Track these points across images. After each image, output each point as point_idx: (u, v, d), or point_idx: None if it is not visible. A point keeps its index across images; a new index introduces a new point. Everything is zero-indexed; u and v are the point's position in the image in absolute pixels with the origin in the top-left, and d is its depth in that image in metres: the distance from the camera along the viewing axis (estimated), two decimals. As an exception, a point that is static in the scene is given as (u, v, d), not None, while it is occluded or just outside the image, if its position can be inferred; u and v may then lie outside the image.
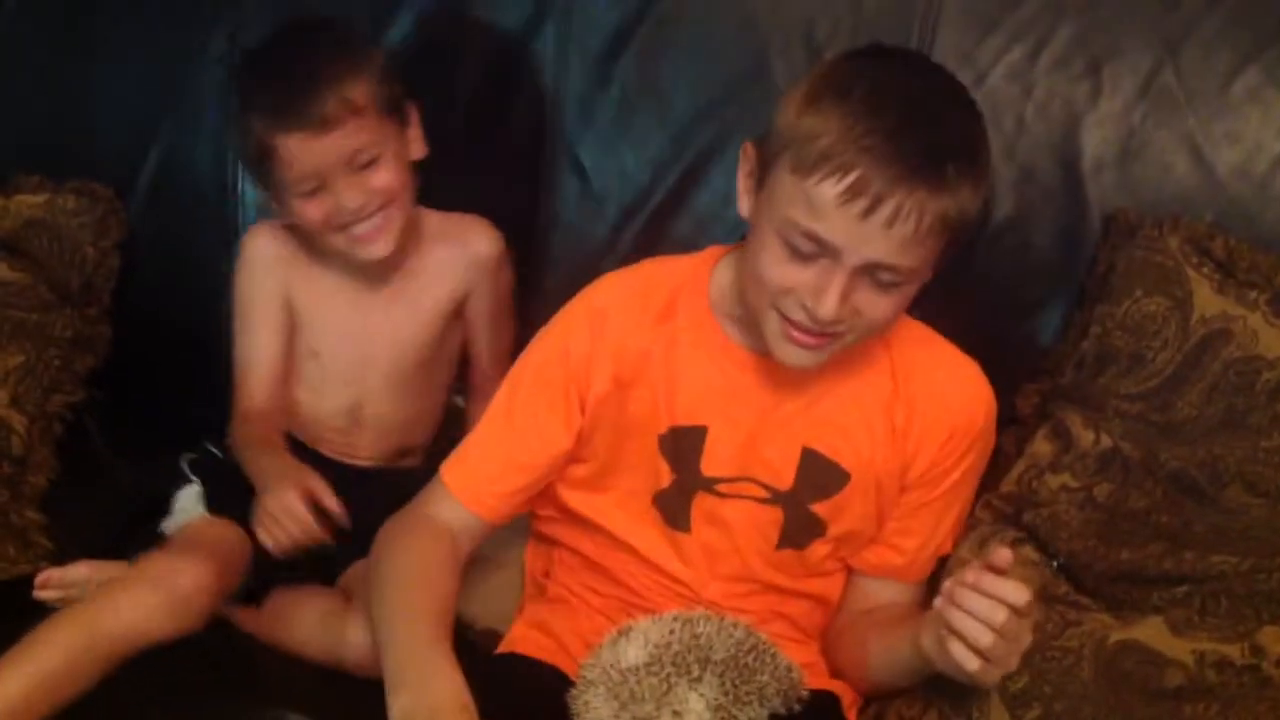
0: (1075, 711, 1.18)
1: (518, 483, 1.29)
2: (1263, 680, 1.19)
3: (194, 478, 1.49)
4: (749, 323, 1.22)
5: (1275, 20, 1.37)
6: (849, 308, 1.14)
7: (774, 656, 1.20)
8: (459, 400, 1.63)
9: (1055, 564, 1.29)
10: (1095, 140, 1.41)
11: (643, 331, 1.27)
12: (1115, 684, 1.20)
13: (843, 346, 1.19)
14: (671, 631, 1.19)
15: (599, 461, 1.31)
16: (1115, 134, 1.41)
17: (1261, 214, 1.36)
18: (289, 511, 1.34)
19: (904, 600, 1.32)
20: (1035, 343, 1.44)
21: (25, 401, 1.53)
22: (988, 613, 1.06)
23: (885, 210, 1.09)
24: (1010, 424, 1.38)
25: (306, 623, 1.38)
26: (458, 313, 1.55)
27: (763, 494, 1.28)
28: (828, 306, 1.13)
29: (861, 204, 1.09)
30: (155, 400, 1.67)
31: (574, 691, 1.20)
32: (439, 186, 1.53)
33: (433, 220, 1.53)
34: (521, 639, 1.32)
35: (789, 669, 1.20)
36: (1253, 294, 1.28)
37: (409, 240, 1.48)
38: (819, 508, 1.28)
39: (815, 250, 1.12)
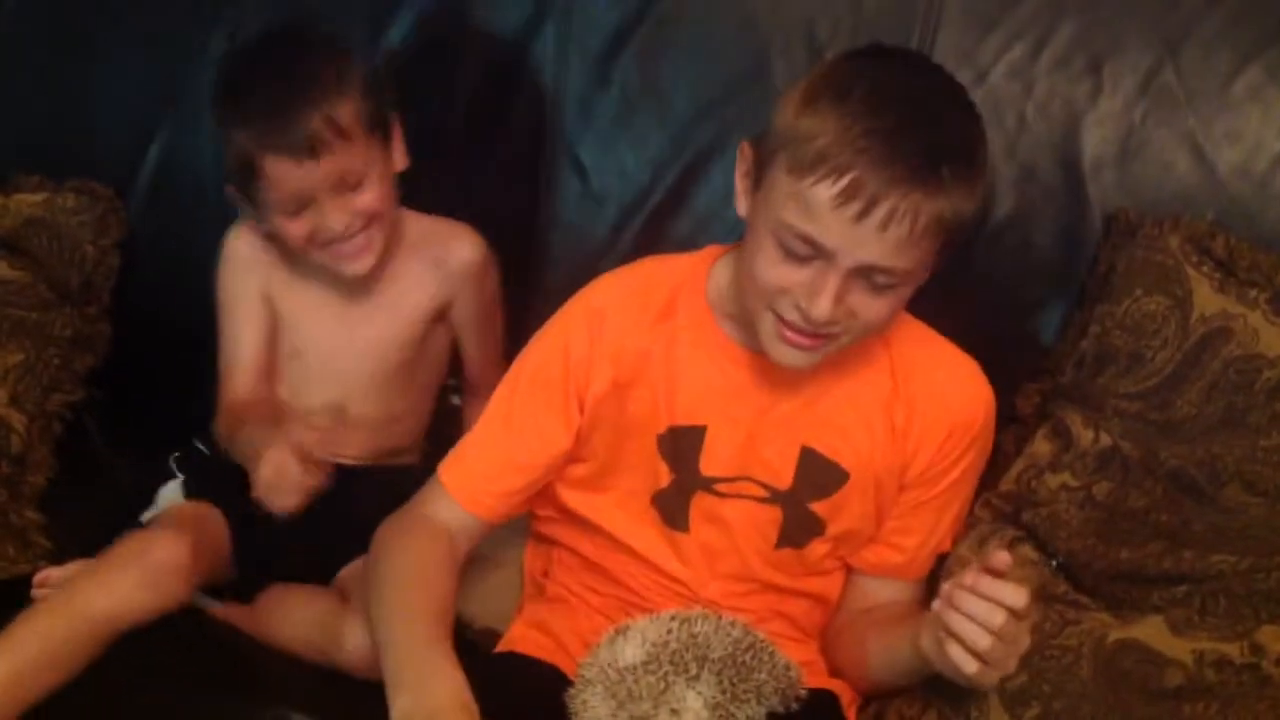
0: (1074, 710, 1.18)
1: (516, 483, 1.29)
2: (1262, 679, 1.19)
3: (179, 474, 1.49)
4: (747, 322, 1.22)
5: (1276, 19, 1.38)
6: (844, 309, 1.14)
7: (772, 655, 1.20)
8: (456, 400, 1.63)
9: (1054, 563, 1.29)
10: (1096, 139, 1.41)
11: (641, 331, 1.27)
12: (1114, 683, 1.20)
13: (838, 347, 1.19)
14: (669, 630, 1.19)
15: (598, 461, 1.31)
16: (1116, 133, 1.41)
17: (1262, 213, 1.36)
18: (281, 469, 1.33)
19: (903, 599, 1.32)
20: (1035, 342, 1.44)
21: (24, 400, 1.53)
22: (986, 615, 1.06)
23: (880, 213, 1.08)
24: (1010, 423, 1.38)
25: (299, 621, 1.37)
26: (440, 317, 1.53)
27: (762, 493, 1.28)
28: (822, 308, 1.12)
29: (856, 207, 1.08)
30: (155, 399, 1.67)
31: (572, 690, 1.20)
32: (439, 187, 1.53)
33: (415, 225, 1.51)
34: (520, 638, 1.32)
35: (787, 667, 1.20)
36: (1253, 293, 1.28)
37: (390, 245, 1.47)
38: (818, 507, 1.28)
39: (810, 252, 1.12)
